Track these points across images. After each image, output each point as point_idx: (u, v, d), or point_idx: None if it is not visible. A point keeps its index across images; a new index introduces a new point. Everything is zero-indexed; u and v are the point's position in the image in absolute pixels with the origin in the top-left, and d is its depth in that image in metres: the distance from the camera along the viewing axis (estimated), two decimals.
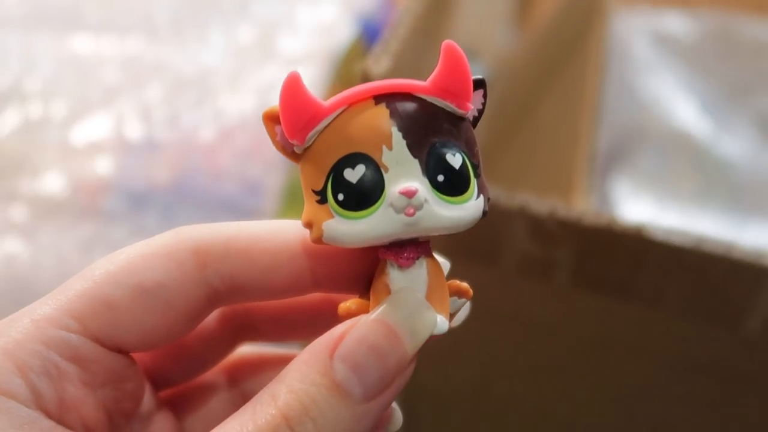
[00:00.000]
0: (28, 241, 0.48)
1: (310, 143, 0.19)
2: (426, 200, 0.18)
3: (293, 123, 0.18)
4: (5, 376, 0.18)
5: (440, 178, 0.18)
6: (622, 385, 0.42)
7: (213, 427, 0.18)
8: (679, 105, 0.64)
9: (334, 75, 0.59)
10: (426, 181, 0.18)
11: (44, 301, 0.19)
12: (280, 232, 0.21)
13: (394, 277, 0.19)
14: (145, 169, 0.52)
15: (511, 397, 0.45)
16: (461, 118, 0.19)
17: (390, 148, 0.18)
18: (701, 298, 0.36)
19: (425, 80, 0.19)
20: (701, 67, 0.65)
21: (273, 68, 0.59)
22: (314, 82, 0.57)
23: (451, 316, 0.20)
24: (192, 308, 0.21)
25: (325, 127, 0.18)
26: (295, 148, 0.19)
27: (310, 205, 0.19)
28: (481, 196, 0.19)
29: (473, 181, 0.19)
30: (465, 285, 0.20)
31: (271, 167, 0.52)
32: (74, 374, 0.19)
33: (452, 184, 0.18)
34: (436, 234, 0.19)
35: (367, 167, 0.18)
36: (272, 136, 0.19)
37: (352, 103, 0.18)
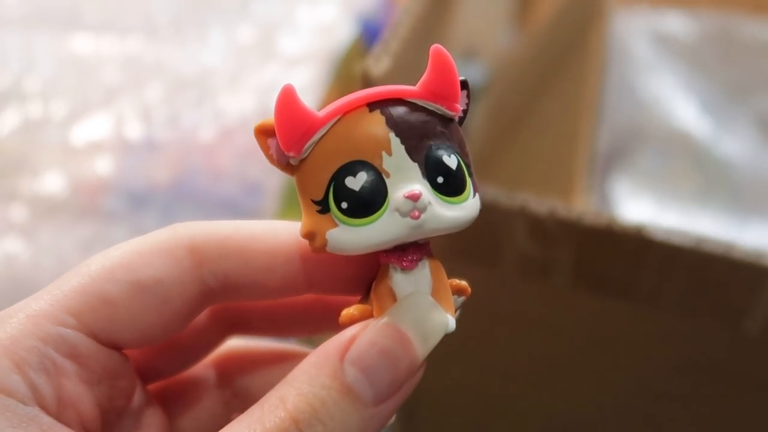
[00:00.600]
0: (28, 241, 0.48)
1: (306, 154, 0.19)
2: (429, 202, 0.18)
3: (289, 135, 0.18)
4: (3, 373, 0.18)
5: (440, 179, 0.18)
6: (621, 384, 0.42)
7: (204, 421, 0.18)
8: (679, 105, 0.64)
9: (334, 75, 0.59)
10: (427, 183, 0.18)
11: (39, 297, 0.19)
12: (276, 234, 0.21)
13: (398, 280, 0.19)
14: (145, 169, 0.52)
15: (511, 397, 0.45)
16: (451, 120, 0.19)
17: (390, 153, 0.18)
18: (701, 298, 0.36)
19: (417, 83, 0.19)
20: (701, 67, 0.65)
21: (273, 68, 0.59)
22: (314, 83, 0.57)
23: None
24: (187, 305, 0.21)
25: (321, 137, 0.19)
26: (290, 160, 0.19)
27: (309, 216, 0.19)
28: (477, 194, 0.19)
29: (469, 181, 0.19)
30: (464, 283, 0.20)
31: (271, 167, 0.52)
32: (71, 370, 0.19)
33: (451, 185, 0.19)
34: (439, 234, 0.19)
35: (368, 174, 0.18)
36: (265, 149, 0.19)
37: (346, 112, 0.19)
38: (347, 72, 0.59)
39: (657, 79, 0.65)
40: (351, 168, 0.18)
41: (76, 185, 0.51)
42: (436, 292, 0.19)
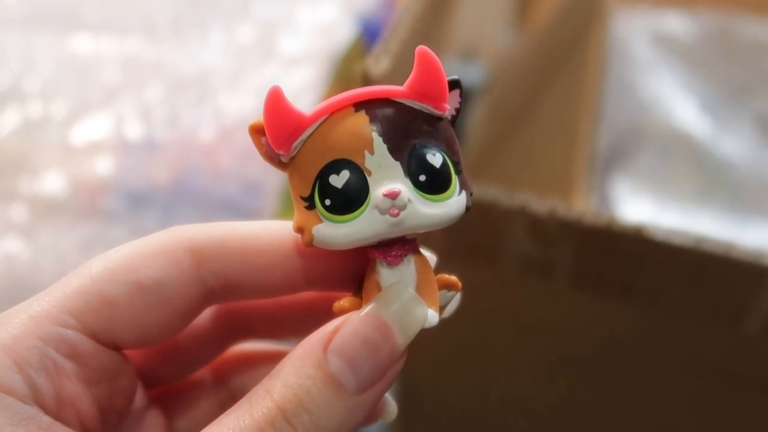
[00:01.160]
0: (28, 241, 0.48)
1: (295, 153, 0.20)
2: (409, 200, 0.19)
3: (278, 135, 0.19)
4: (3, 372, 0.18)
5: (422, 178, 0.19)
6: (621, 384, 0.42)
7: (200, 423, 0.19)
8: (679, 105, 0.64)
9: (334, 75, 0.59)
10: (408, 182, 0.19)
11: (41, 297, 0.20)
12: (274, 233, 0.21)
13: (384, 274, 0.20)
14: (145, 169, 0.52)
15: (511, 397, 0.45)
16: (439, 119, 0.20)
17: (372, 152, 0.19)
18: (701, 298, 0.36)
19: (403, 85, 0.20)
20: (701, 67, 0.65)
21: (273, 68, 0.59)
22: (314, 83, 0.57)
23: (442, 309, 0.21)
24: (187, 306, 0.21)
25: (309, 136, 0.19)
26: (281, 158, 0.20)
27: (299, 211, 0.20)
28: (464, 191, 0.20)
29: (455, 179, 0.20)
30: (453, 278, 0.21)
31: (270, 167, 0.52)
32: (71, 370, 0.19)
33: (434, 183, 0.19)
34: (422, 231, 0.19)
35: (351, 172, 0.19)
36: (259, 147, 0.20)
37: (333, 112, 0.19)
38: (347, 72, 0.59)
39: (657, 79, 0.65)
40: (335, 166, 0.19)
41: (76, 185, 0.51)
42: (420, 287, 0.20)
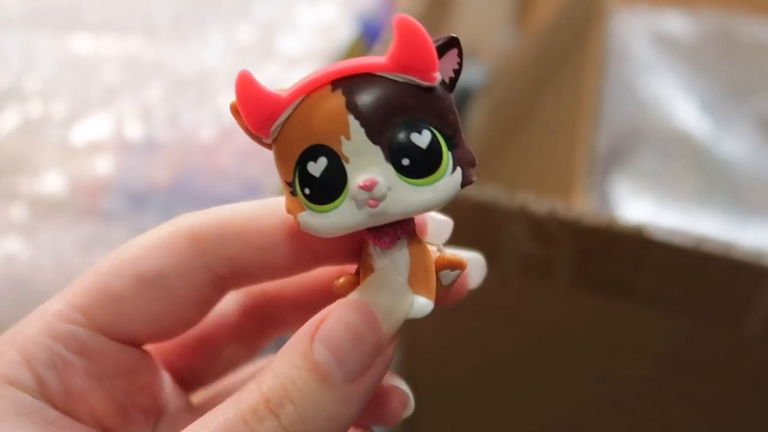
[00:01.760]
0: (28, 240, 0.48)
1: (275, 135, 0.18)
2: (390, 188, 0.17)
3: (254, 119, 0.18)
4: (12, 367, 0.19)
5: (405, 161, 0.17)
6: (621, 384, 0.42)
7: None
8: (679, 105, 0.64)
9: None
10: (390, 167, 0.17)
11: (57, 298, 0.20)
12: (274, 211, 0.21)
13: (376, 257, 0.19)
14: (145, 169, 0.52)
15: (511, 397, 0.45)
16: (429, 89, 0.18)
17: (348, 138, 0.17)
18: (701, 298, 0.36)
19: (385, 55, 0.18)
20: (701, 67, 0.65)
21: (273, 68, 0.59)
22: None
23: (446, 289, 0.20)
24: (196, 295, 0.21)
25: (287, 119, 0.18)
26: (263, 140, 0.19)
27: (286, 195, 0.19)
28: (458, 169, 0.18)
29: (447, 156, 0.18)
30: (456, 258, 0.20)
31: (271, 167, 0.52)
32: (81, 366, 0.20)
33: (419, 166, 0.17)
34: (409, 217, 0.18)
35: (329, 160, 0.17)
36: (243, 126, 0.19)
37: (309, 92, 0.18)
38: None
39: (657, 79, 0.65)
40: (312, 153, 0.18)
41: (76, 185, 0.51)
42: (413, 273, 0.19)
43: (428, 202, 0.18)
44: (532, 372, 0.43)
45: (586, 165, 0.56)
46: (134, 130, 0.54)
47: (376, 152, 0.17)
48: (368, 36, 0.62)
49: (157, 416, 0.22)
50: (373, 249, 0.19)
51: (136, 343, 0.21)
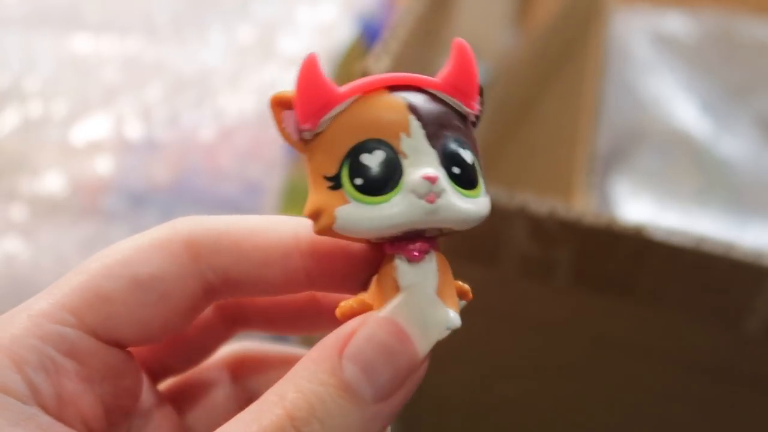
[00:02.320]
0: (28, 240, 0.48)
1: (321, 129, 0.18)
2: (444, 189, 0.18)
3: (308, 106, 0.18)
4: (2, 372, 0.18)
5: (455, 170, 0.18)
6: (622, 384, 0.42)
7: (215, 423, 0.18)
8: (679, 105, 0.64)
9: (334, 75, 0.59)
10: (443, 171, 0.18)
11: (41, 296, 0.19)
12: (274, 229, 0.21)
13: (404, 271, 0.18)
14: (145, 169, 0.52)
15: (512, 398, 0.45)
16: (466, 118, 0.19)
17: (408, 135, 0.18)
18: (701, 298, 0.36)
19: (434, 75, 0.19)
20: (702, 67, 0.65)
21: (273, 68, 0.59)
22: None
23: None
24: (188, 301, 0.20)
25: (339, 113, 0.18)
26: (303, 134, 0.19)
27: (319, 192, 0.18)
28: (487, 195, 0.19)
29: (481, 180, 0.19)
30: (466, 286, 0.20)
31: (271, 167, 0.52)
32: (71, 369, 0.19)
33: (466, 178, 0.18)
34: (449, 227, 0.18)
35: (386, 152, 0.18)
36: (279, 122, 0.19)
37: (367, 92, 0.18)
38: (347, 72, 0.59)
39: (657, 79, 0.65)
40: (368, 145, 0.18)
41: (76, 185, 0.51)
42: (441, 288, 0.19)
43: (473, 213, 0.18)
44: (532, 372, 0.43)
45: (586, 165, 0.56)
46: (134, 130, 0.54)
47: (432, 154, 0.18)
48: (368, 36, 0.62)
49: (134, 413, 0.22)
50: (399, 263, 0.19)
51: (122, 346, 0.20)
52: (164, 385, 0.24)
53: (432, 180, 0.17)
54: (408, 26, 0.38)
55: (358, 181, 0.18)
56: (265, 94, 0.56)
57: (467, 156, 0.18)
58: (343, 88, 0.18)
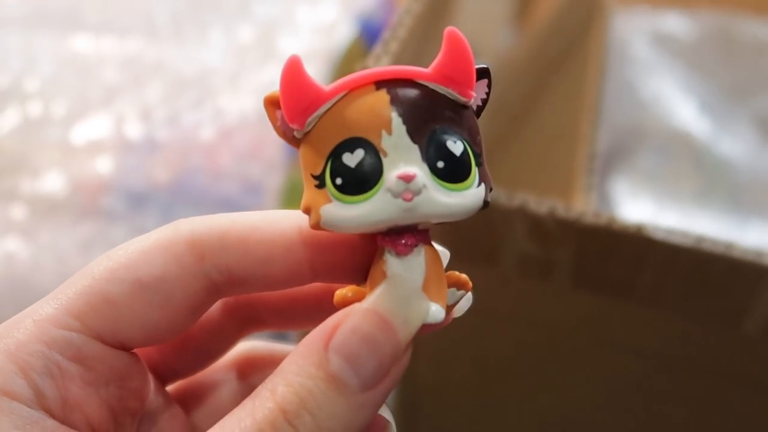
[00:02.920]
0: (28, 240, 0.48)
1: (310, 128, 0.19)
2: (425, 186, 0.18)
3: (293, 107, 0.18)
4: (7, 377, 0.18)
5: (440, 164, 0.18)
6: (621, 384, 0.42)
7: None
8: (679, 105, 0.64)
9: (334, 75, 0.59)
10: (425, 167, 0.18)
11: (46, 301, 0.19)
12: (276, 223, 0.21)
13: (392, 264, 0.19)
14: (145, 169, 0.52)
15: (511, 397, 0.45)
16: (464, 106, 0.19)
17: (389, 133, 0.18)
18: (701, 298, 0.36)
19: (427, 67, 0.19)
20: (701, 67, 0.65)
21: (273, 68, 0.59)
22: None
23: (450, 307, 0.20)
24: (192, 301, 0.21)
25: (326, 111, 0.18)
26: (295, 133, 0.19)
27: (309, 190, 0.19)
28: (483, 184, 0.19)
29: (474, 169, 0.19)
30: (464, 277, 0.20)
31: (271, 167, 0.52)
32: (77, 373, 0.19)
33: (452, 171, 0.18)
34: (435, 221, 0.19)
35: (366, 152, 0.18)
36: (273, 120, 0.19)
37: (352, 89, 0.18)
38: (347, 72, 0.59)
39: (657, 79, 0.65)
40: (349, 144, 0.18)
41: (76, 185, 0.51)
42: (428, 281, 0.19)
43: (457, 207, 0.18)
44: (531, 372, 0.43)
45: (586, 165, 0.56)
46: (134, 130, 0.54)
47: (414, 150, 0.18)
48: (368, 36, 0.62)
49: (142, 415, 0.22)
50: (388, 256, 0.19)
51: (128, 348, 0.21)
52: (172, 386, 0.24)
53: (407, 179, 0.17)
54: (408, 26, 0.38)
55: (338, 181, 0.18)
56: (265, 94, 0.55)
57: (456, 148, 0.18)
58: (330, 87, 0.18)
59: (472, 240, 0.37)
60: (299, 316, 0.24)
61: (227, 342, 0.25)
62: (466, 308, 0.21)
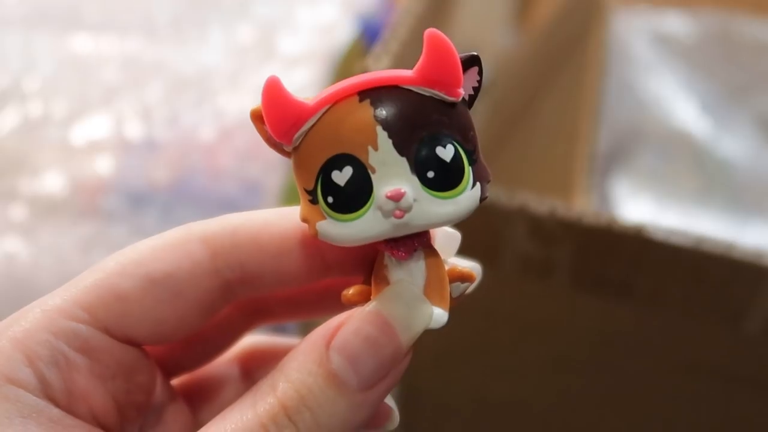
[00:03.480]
0: (28, 240, 0.48)
1: (297, 143, 0.19)
2: (415, 200, 0.18)
3: (278, 126, 0.18)
4: (13, 365, 0.18)
5: (430, 174, 0.18)
6: (621, 384, 0.42)
7: None
8: (679, 105, 0.64)
9: (334, 75, 0.59)
10: (415, 179, 0.18)
11: (57, 293, 0.20)
12: (288, 218, 0.21)
13: (393, 268, 0.19)
14: (145, 169, 0.52)
15: (511, 397, 0.45)
16: (452, 104, 0.19)
17: (376, 148, 0.18)
18: (701, 298, 0.36)
19: (411, 69, 0.18)
20: (701, 67, 0.65)
21: (273, 68, 0.59)
22: (314, 83, 0.57)
23: (454, 300, 0.20)
24: (204, 300, 0.21)
25: (311, 126, 0.18)
26: (284, 148, 0.19)
27: (303, 203, 0.19)
28: (478, 183, 0.19)
29: (468, 171, 0.18)
30: (467, 270, 0.20)
31: (271, 167, 0.52)
32: (83, 365, 0.19)
33: (443, 179, 0.18)
34: (431, 229, 0.19)
35: (354, 169, 0.18)
36: (262, 134, 0.19)
37: (336, 102, 0.18)
38: (347, 72, 0.59)
39: (657, 79, 0.65)
40: (337, 161, 0.18)
41: (76, 185, 0.51)
42: (429, 285, 0.19)
43: (450, 215, 0.18)
44: (531, 371, 0.43)
45: (586, 165, 0.56)
46: (134, 130, 0.54)
47: (403, 164, 0.18)
48: (368, 36, 0.62)
49: (147, 409, 0.22)
50: (388, 260, 0.19)
51: (136, 344, 0.21)
52: (177, 380, 0.24)
53: (396, 197, 0.17)
54: (408, 26, 0.38)
55: (330, 200, 0.18)
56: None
57: (446, 153, 0.18)
58: (313, 100, 0.18)
59: (471, 240, 0.37)
60: (309, 305, 0.24)
61: (235, 335, 0.25)
62: (471, 289, 0.21)
